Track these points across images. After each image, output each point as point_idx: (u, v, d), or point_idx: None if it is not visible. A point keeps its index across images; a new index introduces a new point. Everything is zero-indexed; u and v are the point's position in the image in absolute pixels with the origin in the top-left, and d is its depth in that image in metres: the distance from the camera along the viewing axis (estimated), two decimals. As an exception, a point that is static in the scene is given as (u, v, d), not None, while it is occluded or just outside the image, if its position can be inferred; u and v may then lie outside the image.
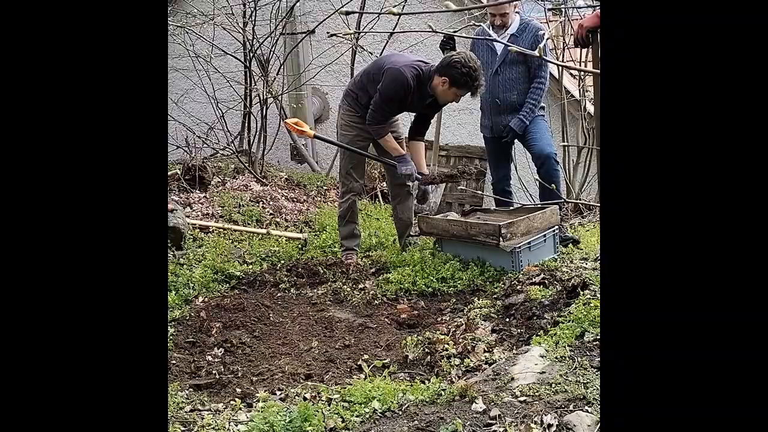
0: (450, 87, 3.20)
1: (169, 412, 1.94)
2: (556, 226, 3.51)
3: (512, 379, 1.97)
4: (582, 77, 5.54)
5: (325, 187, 5.58)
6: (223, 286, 3.38)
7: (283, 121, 3.72)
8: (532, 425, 1.67)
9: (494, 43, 3.55)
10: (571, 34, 4.22)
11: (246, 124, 5.78)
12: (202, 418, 1.95)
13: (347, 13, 1.25)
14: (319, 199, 5.36)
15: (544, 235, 3.39)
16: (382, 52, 5.49)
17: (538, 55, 1.15)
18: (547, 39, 3.56)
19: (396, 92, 3.25)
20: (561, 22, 5.39)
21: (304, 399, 2.05)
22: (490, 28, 3.67)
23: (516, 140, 3.78)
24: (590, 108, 5.12)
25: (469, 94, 3.25)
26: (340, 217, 3.73)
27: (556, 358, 2.06)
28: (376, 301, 3.15)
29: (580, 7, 5.15)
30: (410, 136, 3.60)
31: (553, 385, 1.88)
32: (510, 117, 3.68)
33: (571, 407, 1.75)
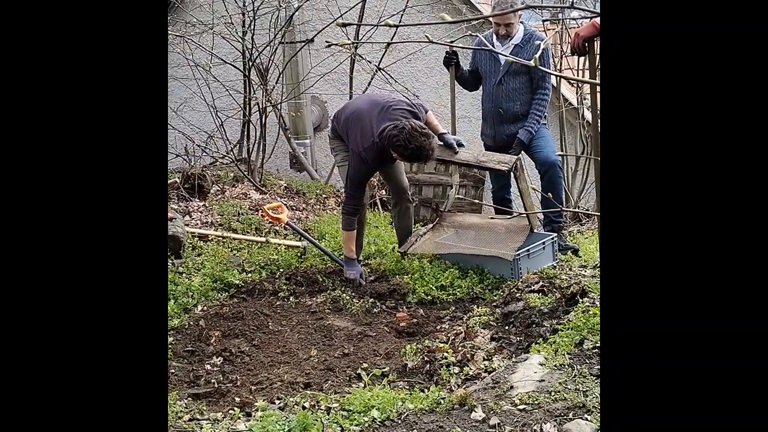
0: (403, 160, 3.39)
1: (167, 422, 1.93)
2: (555, 234, 3.52)
3: (511, 387, 1.96)
4: (580, 86, 5.57)
5: (324, 195, 5.59)
6: (222, 294, 3.37)
7: (261, 209, 3.84)
8: (532, 434, 1.67)
9: (497, 54, 3.57)
10: (568, 43, 4.24)
11: (245, 133, 5.79)
12: (201, 428, 1.94)
13: (345, 25, 1.26)
14: (318, 207, 5.36)
15: (543, 243, 3.40)
16: (380, 62, 5.52)
17: (534, 65, 1.16)
18: (544, 48, 3.57)
19: (362, 174, 3.45)
20: (558, 31, 5.43)
21: (303, 408, 2.05)
22: (494, 37, 3.68)
23: None
24: (588, 116, 5.14)
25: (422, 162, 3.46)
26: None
27: (556, 366, 2.06)
28: (375, 310, 3.15)
29: (575, 18, 5.19)
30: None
31: (553, 394, 1.87)
32: (512, 126, 3.69)
33: (570, 415, 1.75)
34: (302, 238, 3.91)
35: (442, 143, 3.59)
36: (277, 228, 4.63)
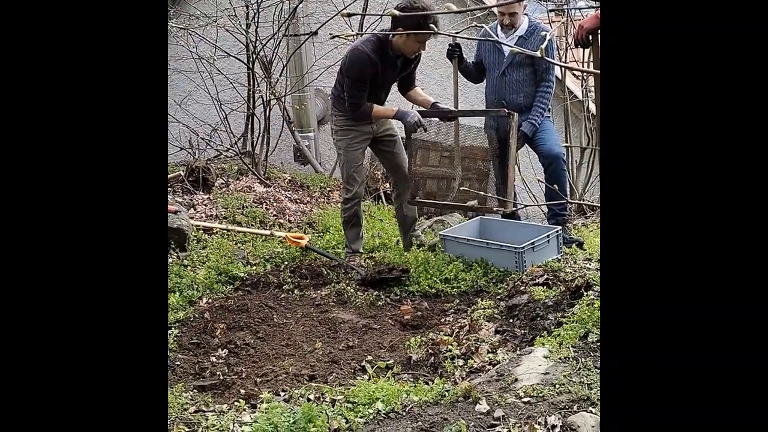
0: (409, 35, 3.12)
1: (173, 413, 1.94)
2: (559, 227, 3.51)
3: (516, 380, 1.97)
4: (585, 77, 5.53)
5: (328, 188, 5.59)
6: (226, 287, 3.38)
7: (286, 236, 3.94)
8: (536, 426, 1.67)
9: (501, 44, 3.56)
10: (573, 35, 4.22)
11: (249, 126, 5.79)
12: (207, 419, 1.95)
13: (349, 15, 1.25)
14: (323, 200, 5.37)
15: (548, 236, 3.40)
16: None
17: (540, 56, 1.16)
18: (549, 40, 3.56)
19: (361, 69, 3.20)
20: (563, 22, 5.39)
21: (308, 400, 2.06)
22: (499, 28, 3.66)
23: None
24: (593, 108, 5.11)
25: (430, 30, 2.98)
26: (345, 222, 3.72)
27: (560, 359, 2.06)
28: (379, 302, 3.16)
29: (581, 8, 5.15)
30: (402, 92, 3.58)
31: (557, 386, 1.88)
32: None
33: (575, 408, 1.75)
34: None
35: (436, 110, 3.53)
36: (281, 221, 4.64)
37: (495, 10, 3.82)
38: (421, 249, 3.68)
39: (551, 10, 5.75)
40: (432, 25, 2.92)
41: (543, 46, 1.42)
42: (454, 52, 3.81)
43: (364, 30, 5.49)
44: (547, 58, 1.29)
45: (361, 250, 3.76)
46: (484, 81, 3.88)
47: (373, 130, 3.58)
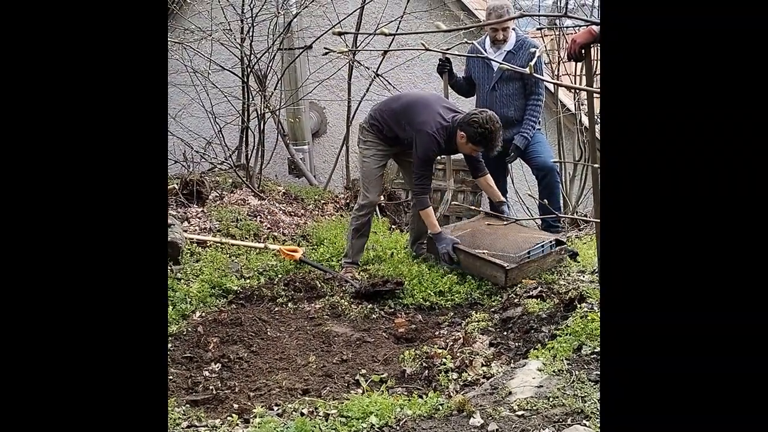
0: (467, 142, 3.37)
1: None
2: (553, 239, 3.52)
3: (510, 393, 1.96)
4: (577, 91, 5.57)
5: (322, 201, 5.59)
6: (220, 300, 3.37)
7: (280, 249, 3.94)
8: (530, 440, 1.67)
9: (490, 60, 3.61)
10: (565, 49, 4.26)
11: (244, 139, 5.79)
12: (199, 435, 1.94)
13: (340, 34, 1.27)
14: (317, 212, 5.36)
15: (542, 247, 3.41)
16: (378, 68, 5.53)
17: (529, 72, 1.17)
18: (538, 56, 3.61)
19: (432, 153, 3.49)
20: (555, 37, 5.45)
21: (302, 414, 2.05)
22: (488, 43, 3.71)
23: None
24: (586, 122, 5.14)
25: (484, 150, 3.40)
26: (355, 230, 3.73)
27: (554, 371, 2.06)
28: (373, 315, 3.15)
29: (569, 27, 5.22)
30: (474, 177, 3.74)
31: (551, 399, 1.88)
32: (507, 132, 3.72)
33: (569, 421, 1.75)
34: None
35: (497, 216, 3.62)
36: (276, 234, 4.64)
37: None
38: (415, 262, 3.68)
39: (541, 28, 5.82)
40: (490, 146, 3.29)
41: (532, 63, 1.44)
42: (444, 67, 3.86)
43: (357, 44, 5.53)
44: (536, 75, 1.31)
45: (358, 263, 3.77)
46: (475, 95, 3.92)
47: (399, 149, 3.71)
